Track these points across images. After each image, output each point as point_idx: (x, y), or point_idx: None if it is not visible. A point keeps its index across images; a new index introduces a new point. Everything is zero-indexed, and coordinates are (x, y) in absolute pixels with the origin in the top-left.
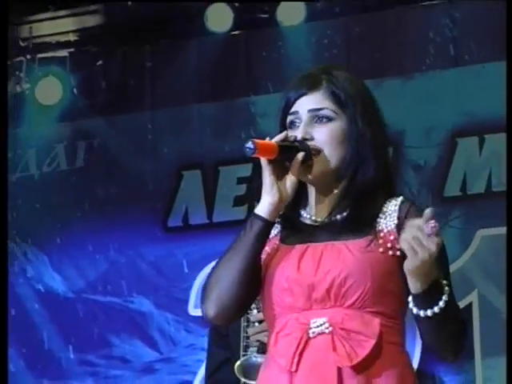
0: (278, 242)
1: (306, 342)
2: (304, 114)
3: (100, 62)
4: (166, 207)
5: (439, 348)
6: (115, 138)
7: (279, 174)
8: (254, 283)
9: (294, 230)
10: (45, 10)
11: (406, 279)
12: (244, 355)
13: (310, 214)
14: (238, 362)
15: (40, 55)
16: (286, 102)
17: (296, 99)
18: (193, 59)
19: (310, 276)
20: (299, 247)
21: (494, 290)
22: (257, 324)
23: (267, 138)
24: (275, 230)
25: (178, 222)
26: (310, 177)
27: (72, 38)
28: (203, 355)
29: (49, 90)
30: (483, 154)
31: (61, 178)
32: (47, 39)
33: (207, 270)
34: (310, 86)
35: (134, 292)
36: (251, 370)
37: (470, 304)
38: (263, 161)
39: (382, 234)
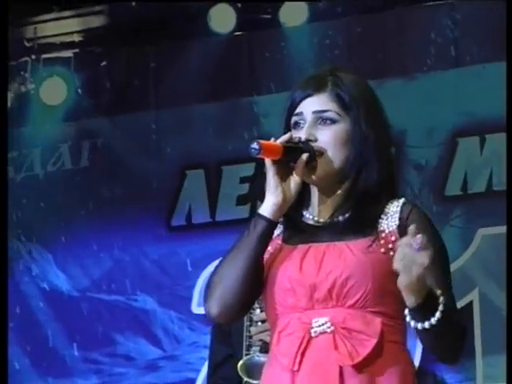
0: (280, 242)
1: (308, 342)
2: (308, 116)
3: (104, 63)
4: (169, 206)
5: (439, 354)
6: (119, 138)
7: (283, 174)
8: (256, 282)
9: (297, 230)
10: (49, 10)
11: None
12: (247, 354)
13: (313, 214)
14: (241, 362)
15: (44, 55)
16: (291, 103)
17: (301, 100)
18: (196, 59)
19: (312, 276)
20: (301, 247)
21: (494, 288)
22: (260, 323)
23: (272, 139)
24: (278, 230)
25: (182, 221)
26: (313, 178)
27: (76, 38)
28: (206, 353)
29: (53, 90)
30: (484, 153)
31: (65, 177)
32: (52, 40)
33: (210, 268)
34: (316, 87)
35: (137, 290)
36: (254, 370)
37: (471, 302)
38: (267, 161)
39: (383, 235)
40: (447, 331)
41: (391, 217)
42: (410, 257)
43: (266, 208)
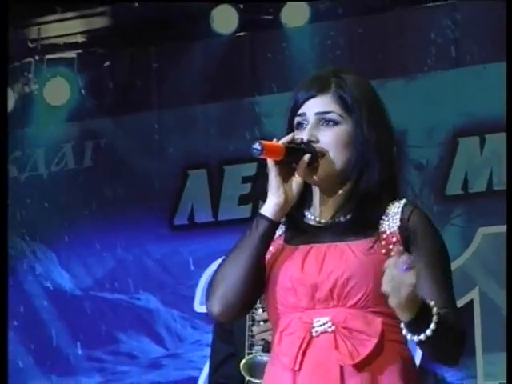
0: (282, 243)
1: (309, 341)
2: (311, 117)
3: (107, 63)
4: (172, 206)
5: (439, 359)
6: (122, 138)
7: (285, 175)
8: (258, 282)
9: (298, 230)
10: (53, 11)
11: None
12: (249, 354)
13: (314, 215)
14: (244, 361)
15: (48, 56)
16: (294, 103)
17: (304, 101)
18: (198, 60)
19: (314, 276)
20: (303, 248)
21: (494, 287)
22: (262, 323)
23: (274, 140)
24: (279, 231)
25: (184, 221)
26: (315, 178)
27: (80, 39)
28: (209, 351)
29: (57, 91)
30: (484, 153)
31: (69, 177)
32: (55, 41)
33: (213, 267)
34: (319, 88)
35: (140, 289)
36: (256, 369)
37: (471, 301)
38: (270, 162)
39: (384, 236)
40: (444, 339)
41: (392, 218)
42: (398, 278)
43: (268, 208)
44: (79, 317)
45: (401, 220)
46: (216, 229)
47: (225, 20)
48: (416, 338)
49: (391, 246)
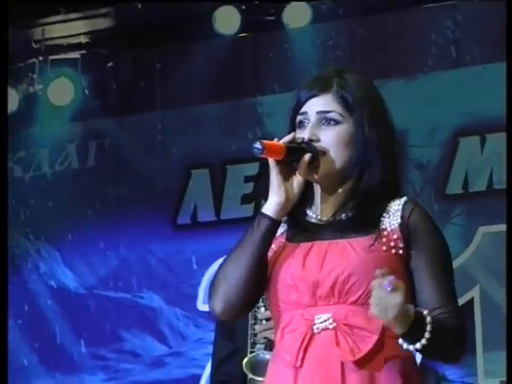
0: (284, 241)
1: (311, 338)
2: (312, 116)
3: (111, 64)
4: (174, 205)
5: (440, 360)
6: (125, 138)
7: (286, 174)
8: (260, 280)
9: (300, 228)
10: (56, 12)
11: (409, 277)
12: (251, 352)
13: (316, 213)
14: (246, 359)
15: (52, 57)
16: (296, 102)
17: (306, 100)
18: (201, 61)
19: (315, 273)
20: (304, 245)
21: (495, 285)
22: (264, 322)
23: (275, 139)
24: (282, 229)
25: (187, 220)
26: (316, 177)
27: (83, 40)
28: (211, 349)
29: (61, 91)
30: (484, 152)
31: (72, 176)
32: (59, 41)
33: (215, 266)
34: (321, 87)
35: (144, 288)
36: (259, 367)
37: (472, 299)
38: (271, 161)
39: (385, 233)
40: (442, 343)
41: (393, 215)
42: (384, 300)
43: (270, 207)
44: (83, 315)
45: (401, 217)
46: (219, 228)
47: (227, 21)
48: (412, 348)
49: (392, 244)
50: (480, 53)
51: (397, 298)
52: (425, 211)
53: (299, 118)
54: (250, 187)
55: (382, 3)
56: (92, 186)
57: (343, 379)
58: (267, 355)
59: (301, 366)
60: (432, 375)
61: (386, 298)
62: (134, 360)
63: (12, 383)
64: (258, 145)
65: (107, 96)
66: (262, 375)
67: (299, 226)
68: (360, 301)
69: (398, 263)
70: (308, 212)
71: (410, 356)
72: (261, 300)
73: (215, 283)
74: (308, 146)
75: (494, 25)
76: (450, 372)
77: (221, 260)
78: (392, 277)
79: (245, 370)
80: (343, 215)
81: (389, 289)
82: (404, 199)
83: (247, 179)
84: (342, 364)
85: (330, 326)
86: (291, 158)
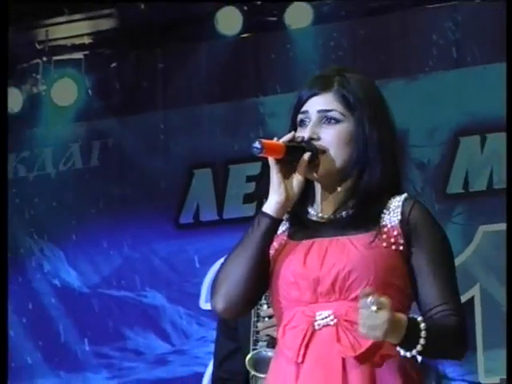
0: (285, 238)
1: (312, 334)
2: (313, 114)
3: (114, 64)
4: (177, 205)
5: (441, 359)
6: (129, 138)
7: (286, 173)
8: (261, 279)
9: (302, 226)
10: (60, 13)
11: (410, 273)
12: (254, 349)
13: (317, 210)
14: (249, 356)
15: (56, 57)
16: (297, 100)
17: (307, 99)
18: (203, 61)
19: (316, 270)
20: (305, 243)
21: (495, 284)
22: (267, 319)
23: (275, 138)
24: (283, 227)
25: (190, 219)
26: (315, 175)
27: (87, 40)
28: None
29: (64, 91)
30: (484, 152)
31: (76, 176)
32: (63, 42)
33: (218, 265)
34: (322, 86)
35: (147, 286)
36: (261, 364)
37: (472, 298)
38: (271, 160)
39: (385, 230)
40: (440, 345)
41: (393, 212)
42: (370, 320)
43: (270, 206)
44: (87, 314)
45: (401, 214)
46: (221, 227)
47: (229, 21)
48: (409, 354)
49: (392, 240)
50: (480, 53)
51: (383, 316)
52: (425, 208)
53: (300, 116)
54: (252, 187)
55: (384, 4)
56: (95, 185)
57: (344, 375)
58: (270, 352)
59: (302, 362)
60: (432, 373)
61: (372, 317)
62: (138, 358)
63: (16, 381)
64: (257, 144)
65: (110, 96)
66: (265, 372)
67: (301, 223)
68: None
69: (398, 259)
70: (309, 210)
71: None
72: (263, 297)
73: (217, 282)
74: (308, 144)
75: (494, 26)
76: (451, 370)
77: (223, 260)
78: (375, 296)
79: (247, 367)
80: (344, 213)
81: (373, 308)
82: (404, 196)
83: (249, 179)
84: (343, 360)
85: (331, 323)
86: (291, 156)
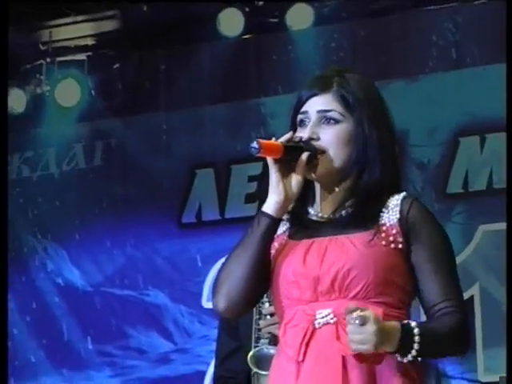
0: (286, 238)
1: (312, 333)
2: (313, 115)
3: (117, 65)
4: (180, 204)
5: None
6: (131, 138)
7: (285, 172)
8: (262, 278)
9: (302, 226)
10: (64, 15)
11: (410, 271)
12: (256, 347)
13: (317, 210)
14: (251, 353)
15: (59, 58)
16: (297, 101)
17: (307, 99)
18: (205, 62)
19: (315, 269)
20: (305, 242)
21: (495, 283)
22: (268, 317)
23: (273, 139)
24: (284, 227)
25: (192, 219)
26: (313, 175)
27: (90, 42)
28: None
29: (68, 92)
30: (484, 152)
31: (79, 176)
32: (66, 43)
33: (220, 264)
34: (322, 87)
35: (149, 285)
36: (263, 361)
37: (472, 297)
38: (269, 160)
39: (384, 228)
40: (439, 346)
41: (392, 210)
42: (358, 335)
43: (269, 206)
44: (90, 312)
45: (400, 212)
46: (223, 226)
47: (231, 23)
48: (405, 360)
49: (391, 238)
50: (480, 54)
51: (369, 330)
52: (424, 206)
53: (300, 116)
54: (253, 186)
55: (384, 6)
56: (98, 185)
57: (344, 373)
58: (271, 350)
59: (303, 360)
60: (432, 371)
61: (358, 332)
62: (140, 356)
63: (20, 379)
64: (254, 144)
65: (113, 97)
66: (266, 369)
67: (301, 223)
68: (360, 295)
69: (398, 258)
70: (309, 210)
71: None
72: (265, 295)
73: (218, 281)
74: (306, 144)
75: (493, 27)
76: (450, 368)
77: (225, 259)
78: (358, 312)
79: (249, 365)
80: (343, 212)
81: (358, 323)
82: (403, 194)
83: (251, 179)
84: (343, 358)
85: (331, 321)
86: (289, 156)
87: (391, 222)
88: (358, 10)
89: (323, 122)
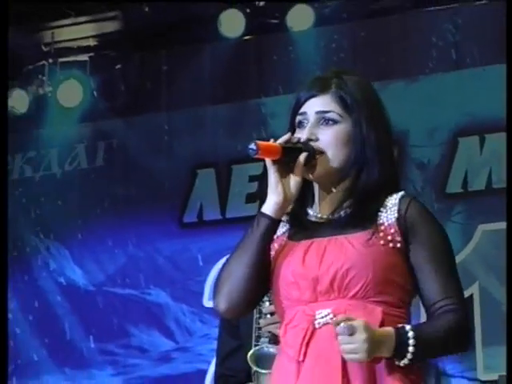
0: (285, 239)
1: (313, 333)
2: (312, 116)
3: (118, 66)
4: (181, 204)
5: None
6: (133, 139)
7: (284, 173)
8: (262, 279)
9: (301, 227)
10: (66, 16)
11: (409, 270)
12: (256, 345)
13: (316, 211)
14: (251, 352)
15: (61, 59)
16: (296, 102)
17: (306, 100)
18: (207, 63)
19: (315, 269)
20: (304, 243)
21: (494, 282)
22: (269, 316)
23: (271, 140)
24: (283, 228)
25: (193, 218)
26: (312, 176)
27: (92, 42)
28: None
29: (70, 93)
30: (484, 152)
31: (81, 176)
32: (68, 44)
33: (221, 263)
34: (320, 88)
35: (151, 285)
36: (263, 360)
37: (471, 296)
38: (268, 161)
39: (382, 228)
40: (435, 348)
41: (390, 209)
42: (349, 345)
43: (268, 207)
44: (92, 311)
45: (398, 212)
46: (224, 226)
47: (232, 24)
48: (401, 363)
49: (389, 238)
50: (479, 55)
51: (359, 339)
52: (422, 205)
53: (298, 118)
54: (254, 186)
55: (384, 6)
56: (100, 185)
57: (344, 372)
58: (271, 348)
59: (303, 360)
60: (432, 369)
61: (349, 341)
62: (142, 355)
63: (22, 378)
64: (252, 145)
65: (115, 97)
66: (266, 368)
67: (300, 224)
68: (359, 294)
69: (397, 257)
70: (309, 211)
71: None
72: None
73: (219, 282)
74: (304, 145)
75: (493, 28)
76: (450, 367)
77: (226, 258)
78: (347, 322)
79: (249, 363)
80: (342, 212)
81: (347, 332)
82: (401, 194)
83: (252, 178)
84: (343, 357)
85: (331, 321)
86: (288, 157)
87: (389, 222)
88: (358, 11)
89: (322, 123)
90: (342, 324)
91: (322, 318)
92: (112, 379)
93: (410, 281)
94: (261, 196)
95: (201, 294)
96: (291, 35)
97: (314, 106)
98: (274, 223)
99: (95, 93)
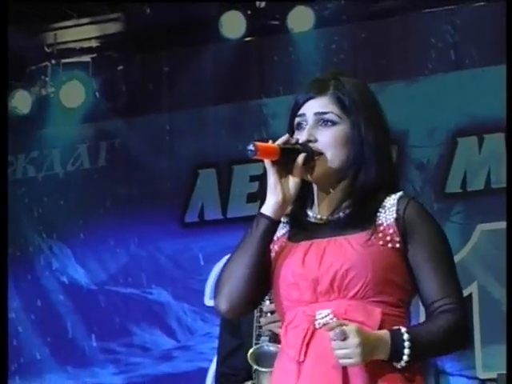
0: (285, 241)
1: (313, 333)
2: (310, 117)
3: (120, 67)
4: (182, 204)
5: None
6: (135, 139)
7: (283, 174)
8: (262, 279)
9: (301, 228)
10: (68, 17)
11: (408, 270)
12: (256, 344)
13: (315, 212)
14: (251, 350)
15: (64, 60)
16: (295, 104)
17: (304, 102)
18: (208, 64)
19: (314, 270)
20: (304, 244)
21: (492, 281)
22: (269, 314)
23: (270, 141)
24: (283, 230)
25: (195, 218)
26: (310, 177)
27: (94, 44)
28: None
29: (72, 94)
30: (482, 152)
31: (84, 176)
32: (71, 45)
33: (222, 262)
34: (318, 90)
35: (152, 284)
36: (263, 358)
37: (470, 295)
38: (267, 162)
39: (381, 228)
40: (432, 348)
41: (388, 210)
42: (343, 351)
43: (268, 207)
44: (94, 310)
45: (397, 212)
46: (225, 226)
47: (233, 25)
48: (399, 365)
49: (388, 238)
50: (479, 56)
51: (352, 343)
52: (420, 205)
53: (297, 119)
54: (255, 186)
55: (384, 8)
56: (103, 185)
57: (344, 373)
58: (271, 347)
59: (303, 360)
60: (431, 368)
61: (342, 346)
62: (144, 354)
63: (25, 376)
64: (250, 147)
65: (117, 98)
66: (266, 366)
67: (300, 226)
68: (359, 295)
69: (396, 257)
70: (308, 212)
71: None
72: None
73: (219, 283)
74: (303, 146)
75: (492, 29)
76: (449, 365)
77: (227, 258)
78: (339, 328)
79: (249, 361)
80: (341, 213)
81: (339, 338)
82: (399, 194)
83: (253, 178)
84: None
85: (331, 321)
86: (286, 159)
87: (388, 222)
88: (359, 13)
89: (320, 124)
90: (335, 330)
91: (323, 318)
92: (114, 377)
93: (410, 281)
94: (261, 196)
95: (202, 292)
96: (292, 36)
97: (313, 107)
98: (274, 224)
99: (97, 93)
